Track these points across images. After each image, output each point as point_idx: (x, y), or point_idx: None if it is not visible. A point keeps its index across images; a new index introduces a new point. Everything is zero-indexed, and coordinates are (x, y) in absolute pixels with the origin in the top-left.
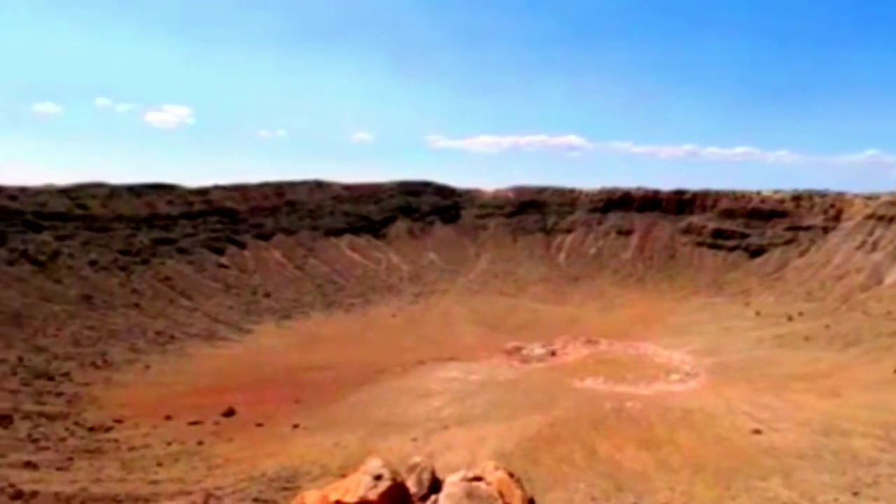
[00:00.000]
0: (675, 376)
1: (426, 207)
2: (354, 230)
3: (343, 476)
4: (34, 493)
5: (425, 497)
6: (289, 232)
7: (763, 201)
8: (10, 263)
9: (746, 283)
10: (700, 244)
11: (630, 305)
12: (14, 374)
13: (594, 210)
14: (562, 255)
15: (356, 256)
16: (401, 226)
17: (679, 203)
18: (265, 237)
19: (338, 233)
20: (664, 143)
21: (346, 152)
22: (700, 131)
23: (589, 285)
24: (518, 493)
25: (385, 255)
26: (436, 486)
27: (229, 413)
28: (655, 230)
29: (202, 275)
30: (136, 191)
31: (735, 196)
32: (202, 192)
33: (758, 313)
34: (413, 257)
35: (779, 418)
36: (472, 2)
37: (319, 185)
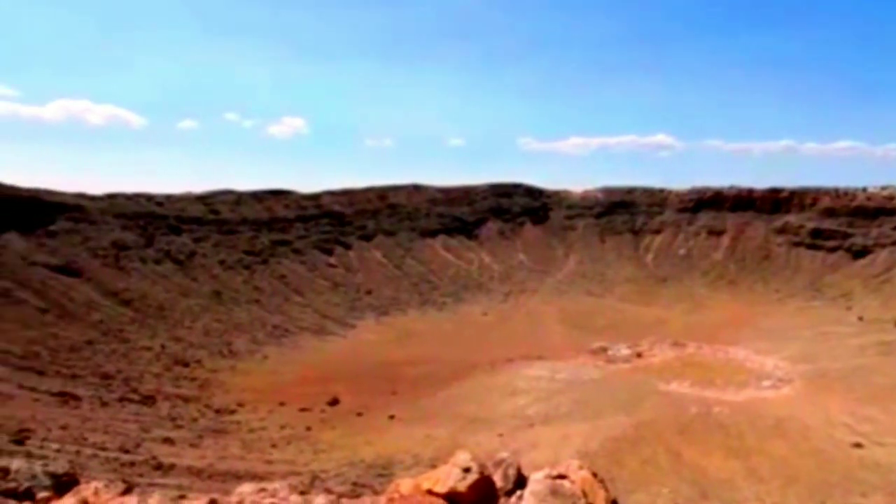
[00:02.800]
0: (767, 383)
1: (517, 209)
2: (448, 231)
3: (433, 467)
4: (172, 466)
5: (510, 492)
6: (389, 233)
7: (869, 198)
8: (157, 262)
9: (848, 285)
10: (797, 244)
11: (720, 308)
12: (158, 359)
13: (684, 210)
14: (650, 256)
15: (450, 256)
16: (492, 227)
17: (774, 202)
18: (368, 238)
19: (433, 234)
20: (758, 140)
21: (441, 156)
22: (798, 126)
23: (677, 286)
24: (601, 493)
25: (477, 255)
26: (521, 482)
27: (334, 402)
28: (749, 230)
29: (313, 273)
30: (258, 197)
31: (837, 193)
32: (314, 197)
33: (861, 318)
34: (503, 257)
35: (883, 432)
36: (559, 4)
37: (417, 189)
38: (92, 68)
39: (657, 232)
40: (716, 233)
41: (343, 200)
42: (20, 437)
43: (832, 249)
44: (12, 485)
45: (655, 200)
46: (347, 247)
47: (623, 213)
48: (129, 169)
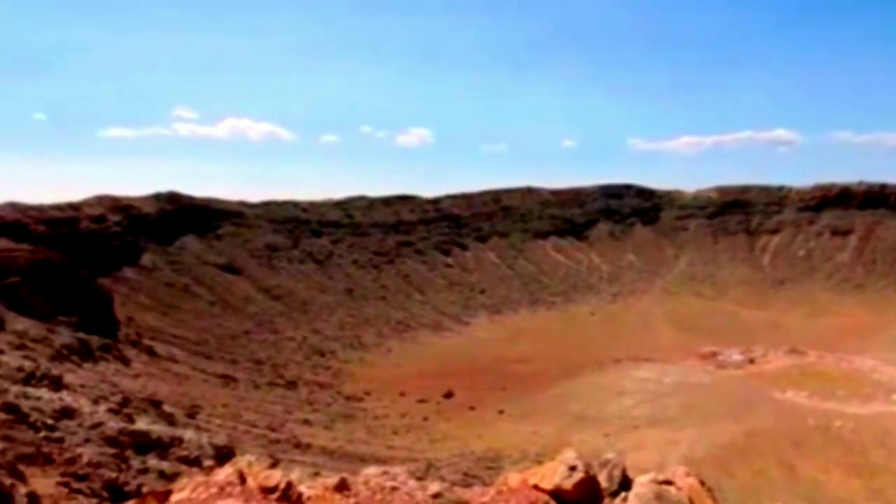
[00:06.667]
0: None
1: (627, 209)
2: (559, 232)
3: (539, 463)
4: (309, 445)
5: (615, 493)
6: (502, 234)
7: None
8: (300, 262)
9: None
10: None
11: (845, 314)
12: (299, 349)
13: (805, 209)
14: (766, 257)
15: (560, 257)
16: (602, 228)
17: None
18: (483, 240)
19: (544, 235)
20: (893, 130)
21: (554, 159)
22: None
23: (796, 290)
24: (709, 503)
25: (586, 255)
26: (626, 483)
27: (449, 395)
28: (880, 230)
29: (432, 273)
30: (387, 202)
31: None
32: (435, 201)
33: None
34: (612, 258)
35: None
36: (668, 3)
37: (530, 191)
38: (252, 90)
39: (775, 232)
40: (841, 232)
41: (461, 203)
42: (192, 412)
43: None
44: (185, 452)
45: (773, 199)
46: (464, 248)
47: (737, 212)
48: (280, 178)
